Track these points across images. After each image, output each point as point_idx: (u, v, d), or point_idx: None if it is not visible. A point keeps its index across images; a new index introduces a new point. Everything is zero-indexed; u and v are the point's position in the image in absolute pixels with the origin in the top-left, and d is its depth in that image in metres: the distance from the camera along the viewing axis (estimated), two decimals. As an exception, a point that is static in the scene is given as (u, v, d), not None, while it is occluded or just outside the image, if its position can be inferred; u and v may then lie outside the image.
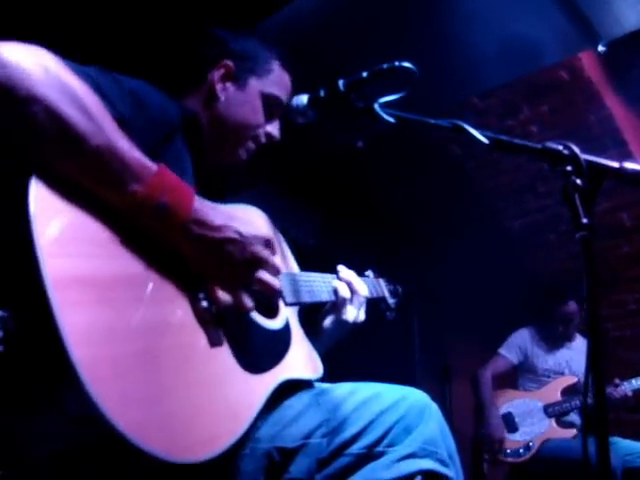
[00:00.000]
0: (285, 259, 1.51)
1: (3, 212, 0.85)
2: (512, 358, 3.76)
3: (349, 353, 1.63)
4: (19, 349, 0.81)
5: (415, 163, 4.13)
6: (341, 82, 1.19)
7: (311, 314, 1.59)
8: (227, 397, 1.02)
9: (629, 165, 1.01)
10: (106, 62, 1.08)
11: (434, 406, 1.25)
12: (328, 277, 1.61)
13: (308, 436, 1.13)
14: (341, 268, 1.65)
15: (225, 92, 1.37)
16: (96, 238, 0.90)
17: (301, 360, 1.35)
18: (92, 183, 0.91)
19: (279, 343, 1.30)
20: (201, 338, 1.02)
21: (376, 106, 1.16)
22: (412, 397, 1.24)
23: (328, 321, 1.59)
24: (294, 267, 1.56)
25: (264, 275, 1.13)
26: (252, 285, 1.12)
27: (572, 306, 3.65)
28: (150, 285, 0.95)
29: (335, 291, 1.58)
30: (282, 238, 1.54)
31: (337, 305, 1.58)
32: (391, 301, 1.93)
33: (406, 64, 1.15)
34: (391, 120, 1.14)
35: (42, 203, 0.83)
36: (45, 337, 0.78)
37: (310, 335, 1.53)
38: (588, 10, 2.85)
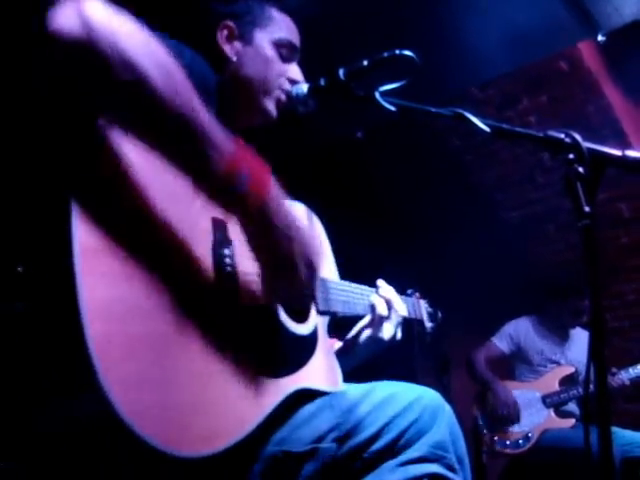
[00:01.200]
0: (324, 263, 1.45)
1: (44, 177, 0.85)
2: (502, 347, 3.79)
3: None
4: (40, 311, 0.81)
5: (414, 155, 4.12)
6: (341, 71, 1.18)
7: (344, 326, 1.55)
8: (236, 397, 0.98)
9: (631, 153, 1.00)
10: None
11: (447, 407, 1.24)
12: (367, 290, 1.56)
13: (319, 440, 1.10)
14: (381, 283, 1.59)
15: (235, 51, 1.33)
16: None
17: (322, 370, 1.29)
18: (172, 154, 0.88)
19: (303, 349, 1.26)
20: (224, 334, 0.99)
21: (377, 94, 1.15)
22: (426, 398, 1.22)
23: (363, 336, 1.54)
24: (333, 270, 1.52)
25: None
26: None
27: None
28: (181, 270, 0.93)
29: (372, 307, 1.52)
30: (325, 237, 1.51)
31: (374, 321, 1.53)
32: (428, 324, 1.89)
33: (407, 52, 1.14)
34: (392, 108, 1.13)
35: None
36: (64, 305, 0.77)
37: (341, 351, 1.50)
38: (588, 0, 2.84)
